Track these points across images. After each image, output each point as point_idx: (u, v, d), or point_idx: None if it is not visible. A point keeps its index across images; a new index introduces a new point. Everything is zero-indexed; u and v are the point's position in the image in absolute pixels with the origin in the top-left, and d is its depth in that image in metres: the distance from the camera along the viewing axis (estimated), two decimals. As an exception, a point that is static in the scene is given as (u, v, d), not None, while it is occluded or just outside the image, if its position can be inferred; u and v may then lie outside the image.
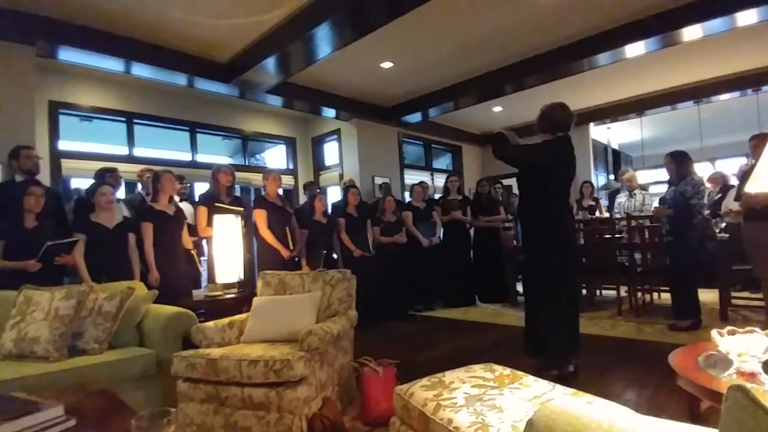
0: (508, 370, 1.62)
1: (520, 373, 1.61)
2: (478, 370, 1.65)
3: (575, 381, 2.49)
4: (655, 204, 5.06)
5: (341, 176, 6.41)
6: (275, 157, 7.10)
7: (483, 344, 3.74)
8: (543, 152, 2.72)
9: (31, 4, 3.33)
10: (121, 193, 3.93)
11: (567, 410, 0.79)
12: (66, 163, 4.46)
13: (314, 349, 2.05)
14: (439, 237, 5.38)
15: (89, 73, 4.46)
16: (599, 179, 7.90)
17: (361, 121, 6.27)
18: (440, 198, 5.81)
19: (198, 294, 3.23)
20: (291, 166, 6.80)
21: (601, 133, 8.10)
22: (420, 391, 1.47)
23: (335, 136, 6.59)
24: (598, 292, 5.37)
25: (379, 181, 6.35)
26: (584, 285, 5.01)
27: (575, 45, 4.58)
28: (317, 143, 6.95)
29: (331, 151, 6.84)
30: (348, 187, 4.99)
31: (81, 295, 2.34)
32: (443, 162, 8.56)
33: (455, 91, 5.74)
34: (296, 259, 4.09)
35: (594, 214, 5.72)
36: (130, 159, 4.89)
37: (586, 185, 6.16)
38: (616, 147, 9.12)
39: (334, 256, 4.61)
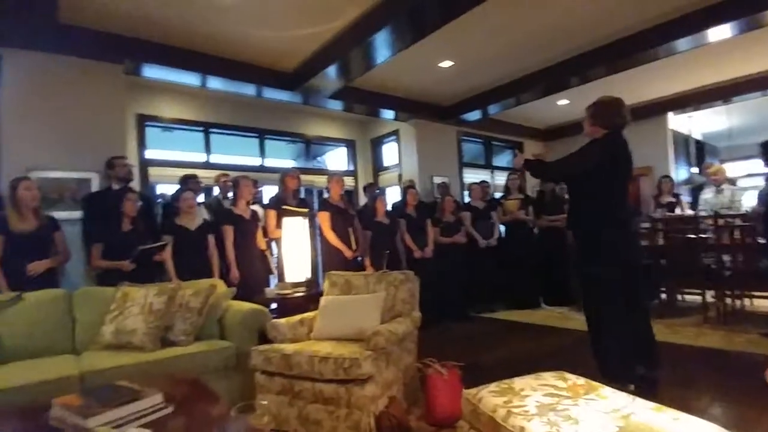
0: (582, 380, 1.56)
1: (595, 383, 1.55)
2: (549, 378, 1.61)
3: (655, 394, 2.33)
4: (748, 199, 4.61)
5: (400, 177, 6.47)
6: (335, 159, 7.30)
7: (547, 349, 3.62)
8: (593, 155, 2.46)
9: (119, 26, 3.67)
10: (200, 197, 4.25)
11: (654, 428, 0.76)
12: (152, 171, 4.92)
13: (380, 349, 2.11)
14: (497, 238, 5.27)
15: (170, 87, 4.88)
16: (680, 173, 7.28)
17: (419, 121, 6.28)
18: (501, 197, 5.69)
19: (269, 292, 3.42)
20: (351, 168, 6.96)
21: (681, 122, 7.46)
22: (489, 397, 1.47)
23: (394, 137, 6.66)
24: (679, 296, 4.97)
25: (437, 180, 6.33)
26: (663, 289, 4.66)
27: (651, 31, 4.26)
28: (376, 144, 7.06)
29: (390, 152, 6.92)
30: (407, 188, 5.03)
31: (171, 292, 2.58)
32: (504, 159, 8.35)
33: (517, 86, 5.58)
34: (359, 259, 4.19)
35: (674, 212, 5.30)
36: (207, 165, 5.29)
37: (665, 180, 5.70)
38: (699, 137, 8.35)
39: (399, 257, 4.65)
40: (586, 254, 2.56)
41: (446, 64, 4.88)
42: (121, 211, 3.21)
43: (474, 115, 6.38)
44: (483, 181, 5.69)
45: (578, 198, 2.66)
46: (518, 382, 1.59)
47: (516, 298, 5.31)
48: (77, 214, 3.47)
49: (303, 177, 5.08)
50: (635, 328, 2.46)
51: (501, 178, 7.35)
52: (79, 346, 2.56)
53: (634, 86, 5.71)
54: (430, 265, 4.66)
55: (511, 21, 4.05)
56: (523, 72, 5.33)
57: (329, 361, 2.06)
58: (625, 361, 2.41)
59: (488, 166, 7.62)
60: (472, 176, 6.84)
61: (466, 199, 5.92)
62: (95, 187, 3.59)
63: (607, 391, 1.47)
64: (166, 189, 4.76)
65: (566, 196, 5.79)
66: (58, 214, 3.24)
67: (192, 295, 2.67)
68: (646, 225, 4.79)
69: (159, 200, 4.27)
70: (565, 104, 6.63)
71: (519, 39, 4.41)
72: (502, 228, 5.47)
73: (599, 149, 2.47)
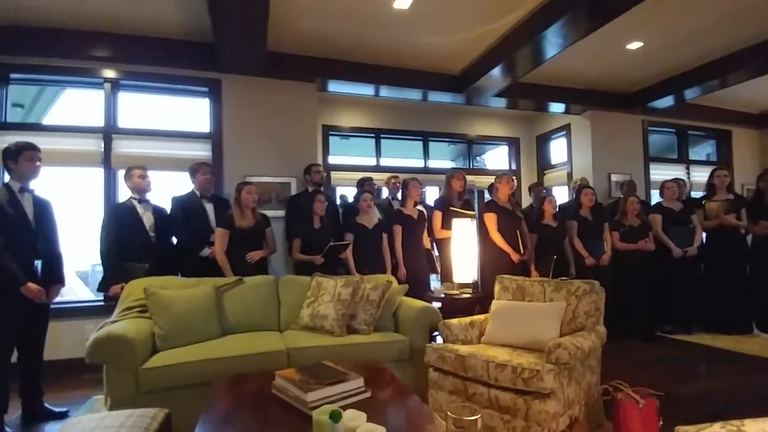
0: None
1: None
2: (794, 426, 1.29)
3: None
4: None
5: (570, 175, 5.96)
6: (496, 158, 7.12)
7: (766, 386, 2.92)
8: None
9: (312, 49, 4.20)
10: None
11: None
12: (333, 175, 5.58)
13: (563, 364, 1.98)
14: (697, 246, 4.43)
15: (348, 99, 5.44)
16: None
17: (596, 112, 5.66)
18: (702, 197, 4.76)
19: (437, 290, 3.53)
20: (513, 167, 6.70)
21: None
22: (716, 441, 1.25)
23: (563, 132, 6.15)
24: None
25: (615, 178, 5.64)
26: None
27: None
28: (542, 141, 6.64)
29: (557, 149, 6.44)
30: (581, 188, 4.59)
31: (355, 284, 2.88)
32: (702, 151, 7.00)
33: (724, 64, 4.62)
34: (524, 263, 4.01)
35: None
36: (377, 168, 5.77)
37: None
38: None
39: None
40: None
41: (635, 45, 4.29)
42: (312, 210, 3.69)
43: (665, 102, 5.48)
44: (677, 179, 4.84)
45: None
46: (750, 425, 1.31)
47: (719, 320, 4.40)
48: (280, 212, 4.15)
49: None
50: None
51: (699, 175, 6.20)
52: (283, 325, 2.99)
53: None
54: (606, 275, 4.16)
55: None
56: (732, 48, 4.39)
57: (506, 368, 2.02)
58: None
59: (683, 160, 6.46)
60: (660, 173, 5.89)
61: (654, 200, 5.12)
62: (294, 190, 4.23)
63: None
64: (345, 191, 5.35)
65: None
66: (266, 213, 3.86)
67: (371, 288, 2.92)
68: None
69: (340, 202, 4.80)
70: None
71: (727, 9, 3.63)
72: (704, 235, 4.58)
73: None
